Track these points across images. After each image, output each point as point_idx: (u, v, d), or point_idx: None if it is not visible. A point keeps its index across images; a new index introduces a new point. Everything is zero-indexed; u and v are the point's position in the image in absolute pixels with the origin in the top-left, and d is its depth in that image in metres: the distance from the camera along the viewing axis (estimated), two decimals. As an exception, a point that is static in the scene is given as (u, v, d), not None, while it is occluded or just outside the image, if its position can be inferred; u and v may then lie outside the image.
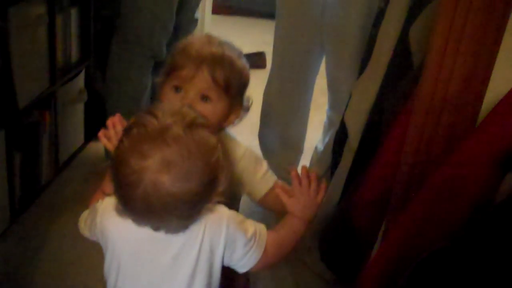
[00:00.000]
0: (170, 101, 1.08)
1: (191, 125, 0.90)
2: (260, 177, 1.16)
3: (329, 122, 2.09)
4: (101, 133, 1.10)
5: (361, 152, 1.51)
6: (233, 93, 1.10)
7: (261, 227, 1.02)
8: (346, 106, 1.65)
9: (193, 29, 2.42)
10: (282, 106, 2.08)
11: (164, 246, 0.96)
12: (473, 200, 0.95)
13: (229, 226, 0.96)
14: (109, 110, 2.18)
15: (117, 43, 2.12)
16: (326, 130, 2.14)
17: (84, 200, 1.94)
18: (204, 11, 3.31)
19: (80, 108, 2.33)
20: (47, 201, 2.06)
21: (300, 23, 1.89)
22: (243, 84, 1.14)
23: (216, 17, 3.84)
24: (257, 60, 3.44)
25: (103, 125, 1.14)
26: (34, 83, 1.92)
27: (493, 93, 0.96)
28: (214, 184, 0.92)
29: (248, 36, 3.96)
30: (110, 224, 0.98)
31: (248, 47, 3.69)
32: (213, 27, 3.64)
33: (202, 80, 1.07)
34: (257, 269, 1.03)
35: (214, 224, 0.96)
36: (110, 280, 1.01)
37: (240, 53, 1.13)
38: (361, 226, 1.33)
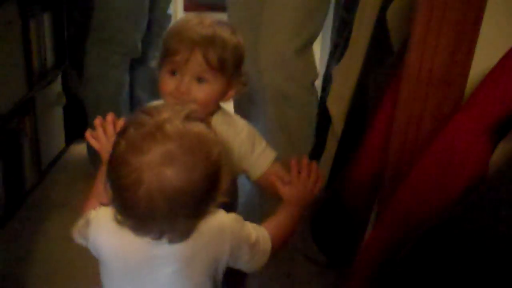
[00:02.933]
0: (167, 85, 1.10)
1: (189, 118, 0.88)
2: (258, 153, 1.17)
3: None
4: (88, 134, 1.08)
5: (346, 136, 1.53)
6: (229, 71, 1.11)
7: (262, 230, 1.01)
8: (327, 91, 1.66)
9: (167, 25, 2.42)
10: None
11: (163, 262, 0.91)
12: (466, 175, 0.95)
13: (233, 234, 0.94)
14: (88, 111, 2.18)
15: (92, 43, 2.11)
16: None
17: (69, 202, 2.01)
18: (176, 8, 3.31)
19: (59, 111, 2.33)
20: (32, 205, 2.05)
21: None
22: (238, 60, 1.14)
23: (188, 14, 3.85)
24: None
25: (84, 127, 1.14)
26: (11, 89, 1.90)
27: (478, 68, 0.97)
28: (218, 180, 0.89)
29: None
30: (103, 242, 0.94)
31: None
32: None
33: (196, 64, 1.08)
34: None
35: (216, 234, 0.92)
36: None
37: (232, 30, 1.13)
38: (352, 208, 1.35)
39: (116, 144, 0.87)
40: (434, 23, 0.94)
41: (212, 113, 1.16)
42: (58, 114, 2.32)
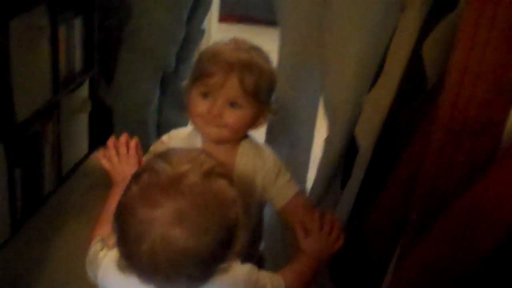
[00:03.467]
0: (198, 107, 1.08)
1: (210, 174, 0.81)
2: (282, 183, 1.16)
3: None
4: (100, 154, 1.06)
5: (373, 169, 1.46)
6: (262, 98, 1.10)
7: (278, 279, 0.98)
8: (356, 120, 1.60)
9: (201, 40, 2.39)
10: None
11: None
12: (500, 228, 0.88)
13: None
14: (114, 119, 2.16)
15: (124, 52, 2.09)
16: None
17: (87, 209, 1.98)
18: (211, 20, 3.28)
19: (84, 117, 2.30)
20: (49, 211, 2.02)
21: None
22: (272, 88, 1.13)
23: (223, 25, 3.81)
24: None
25: (108, 134, 1.11)
26: (36, 94, 1.88)
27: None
28: (231, 242, 0.83)
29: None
30: (112, 286, 0.92)
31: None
32: (219, 36, 3.61)
33: (231, 88, 1.06)
34: None
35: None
36: None
37: (267, 58, 1.12)
38: (373, 248, 1.28)
39: (127, 189, 0.82)
40: (471, 67, 0.88)
41: (240, 140, 1.15)
42: (82, 120, 2.29)
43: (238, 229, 0.83)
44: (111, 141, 1.06)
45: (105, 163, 1.05)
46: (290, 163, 2.04)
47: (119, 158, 1.04)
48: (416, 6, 1.35)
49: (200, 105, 1.08)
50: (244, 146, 1.14)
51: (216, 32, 3.52)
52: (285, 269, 1.02)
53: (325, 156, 1.79)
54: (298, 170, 2.09)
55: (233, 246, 0.83)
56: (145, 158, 1.11)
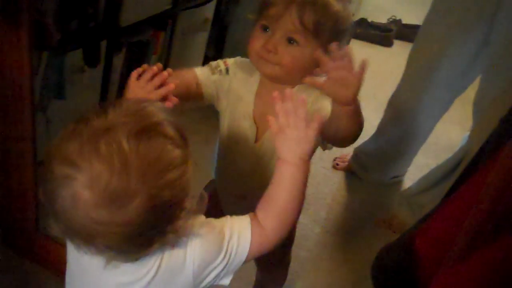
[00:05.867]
0: (255, 41, 0.99)
1: (144, 132, 0.67)
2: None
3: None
4: (135, 72, 0.93)
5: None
6: (325, 39, 0.97)
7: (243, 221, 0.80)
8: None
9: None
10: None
11: (109, 272, 0.75)
12: None
13: (199, 247, 0.75)
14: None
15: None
16: None
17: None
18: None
19: (202, 37, 2.22)
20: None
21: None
22: (340, 30, 0.99)
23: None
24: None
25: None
26: (152, 1, 1.81)
27: None
28: (167, 214, 0.69)
29: (413, 5, 3.60)
30: None
31: (406, 17, 3.35)
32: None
33: (288, 21, 0.96)
34: (259, 251, 0.81)
35: (177, 246, 0.75)
36: None
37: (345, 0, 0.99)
38: (420, 262, 1.09)
39: (64, 131, 0.68)
40: None
41: (297, 83, 1.03)
42: (199, 40, 2.21)
43: (181, 196, 0.69)
44: (145, 65, 0.94)
45: (131, 82, 0.92)
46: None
47: (140, 81, 0.92)
48: None
49: (257, 39, 0.99)
50: (300, 90, 1.01)
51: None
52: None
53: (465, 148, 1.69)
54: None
55: (175, 218, 0.70)
56: (202, 71, 1.06)
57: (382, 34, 3.13)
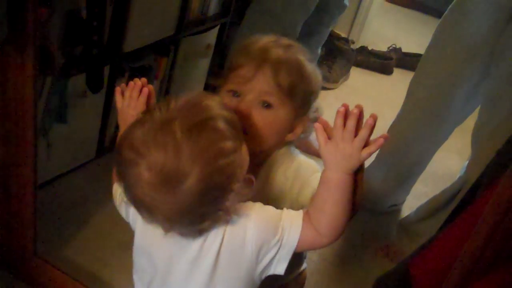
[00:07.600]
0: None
1: (196, 125, 0.76)
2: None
3: None
4: (118, 88, 0.99)
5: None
6: (299, 100, 0.94)
7: (296, 215, 0.85)
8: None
9: (338, 15, 2.21)
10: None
11: (180, 248, 0.86)
12: None
13: (256, 226, 0.82)
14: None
15: (252, 10, 2.01)
16: None
17: None
18: (376, -1, 3.07)
19: (204, 63, 2.24)
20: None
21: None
22: (312, 91, 0.96)
23: (387, 5, 3.58)
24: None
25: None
26: (154, 28, 1.84)
27: None
28: (216, 196, 0.78)
29: (413, 33, 3.64)
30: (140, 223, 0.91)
31: (407, 46, 3.40)
32: (377, 16, 3.38)
33: (262, 82, 0.92)
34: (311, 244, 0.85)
35: (236, 225, 0.83)
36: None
37: (311, 58, 0.96)
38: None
39: (135, 120, 0.81)
40: None
41: (270, 153, 0.99)
42: (202, 66, 2.23)
43: (232, 180, 0.78)
44: (132, 82, 0.97)
45: (118, 97, 0.98)
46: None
47: (129, 101, 0.96)
48: None
49: (227, 104, 0.89)
50: (274, 160, 0.99)
51: (376, 9, 3.29)
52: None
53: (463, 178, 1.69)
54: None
55: (224, 199, 0.79)
56: None
57: (382, 62, 3.16)
